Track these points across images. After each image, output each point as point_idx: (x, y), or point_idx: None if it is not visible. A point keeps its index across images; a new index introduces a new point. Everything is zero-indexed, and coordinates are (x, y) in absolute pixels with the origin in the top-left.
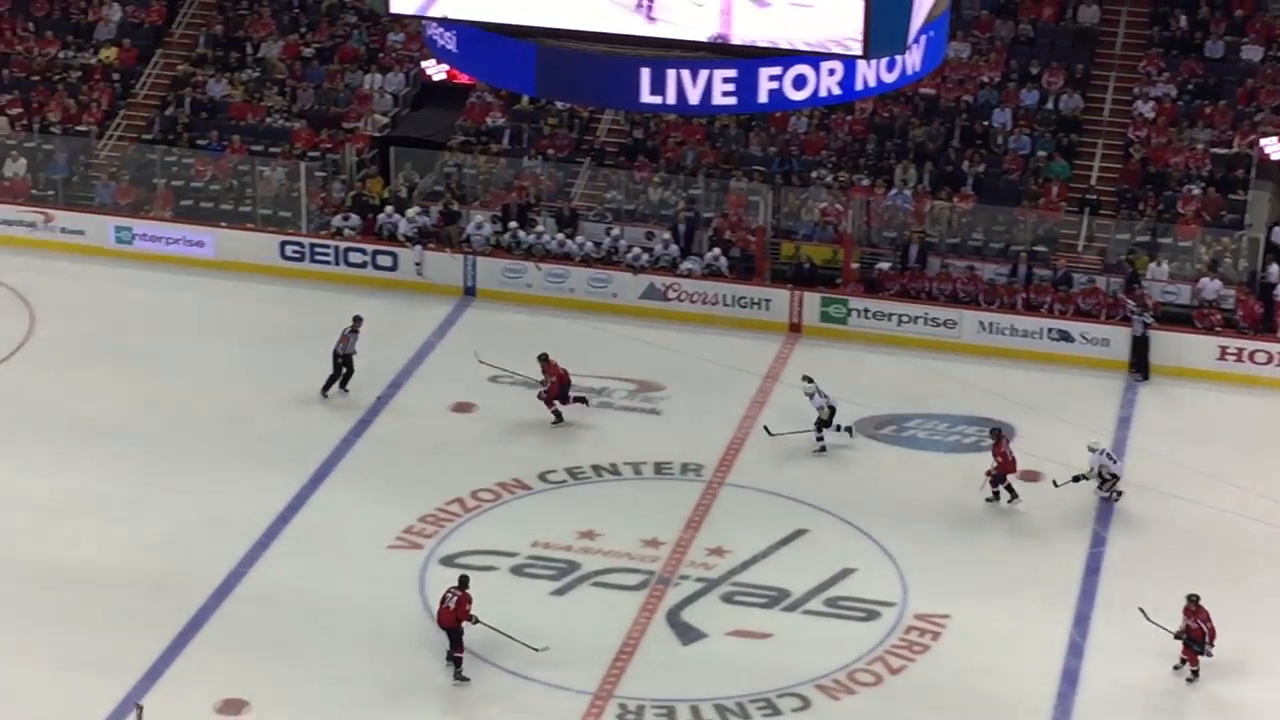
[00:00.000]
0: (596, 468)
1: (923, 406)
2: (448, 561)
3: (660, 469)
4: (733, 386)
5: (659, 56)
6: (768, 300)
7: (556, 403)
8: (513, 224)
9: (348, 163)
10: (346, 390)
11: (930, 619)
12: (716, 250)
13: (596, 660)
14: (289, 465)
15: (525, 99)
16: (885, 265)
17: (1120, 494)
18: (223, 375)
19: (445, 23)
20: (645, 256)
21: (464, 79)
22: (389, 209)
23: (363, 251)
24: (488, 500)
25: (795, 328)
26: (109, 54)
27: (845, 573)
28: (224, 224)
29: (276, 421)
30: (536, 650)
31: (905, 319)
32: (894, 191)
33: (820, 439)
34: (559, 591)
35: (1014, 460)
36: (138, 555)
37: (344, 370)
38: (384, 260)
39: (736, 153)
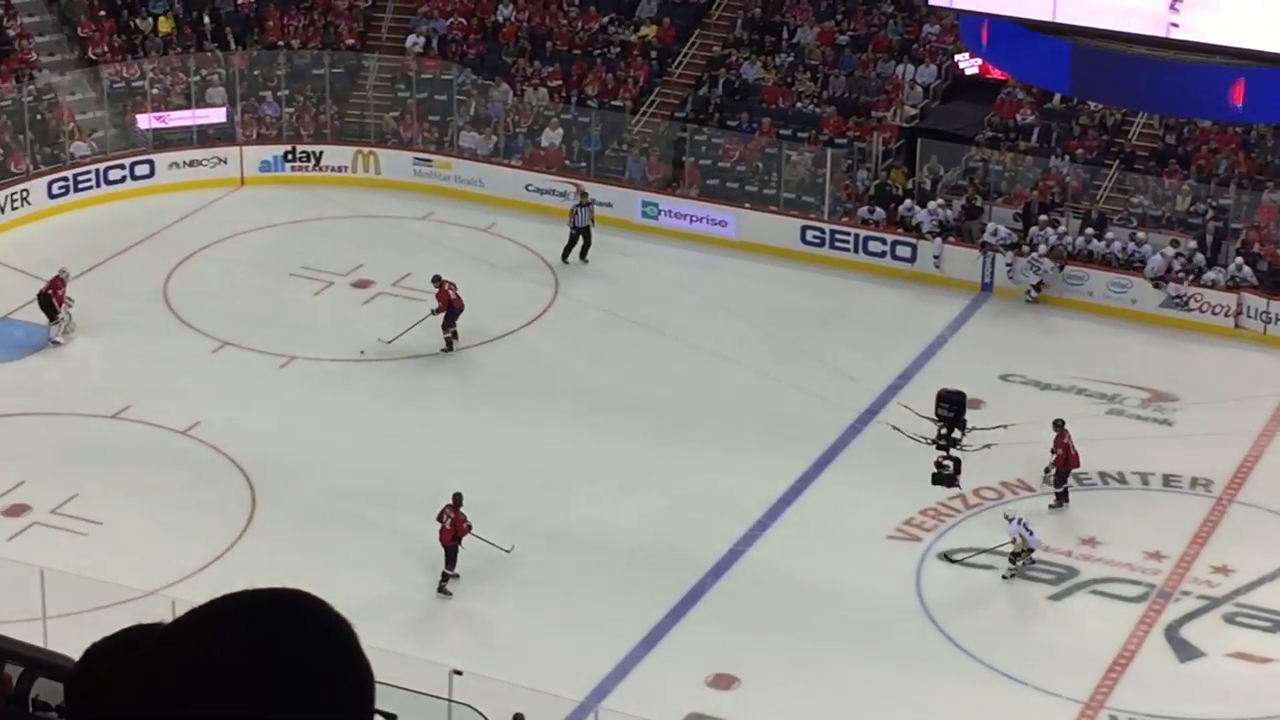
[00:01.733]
0: (1103, 475)
1: None
2: (945, 557)
3: (1168, 481)
4: (1250, 402)
5: (1199, 62)
6: None
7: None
8: (1042, 218)
9: (874, 152)
10: (586, 260)
11: None
12: (1241, 261)
13: (1089, 669)
14: (795, 448)
15: (1057, 97)
16: None
17: (1033, 563)
18: (735, 355)
19: (982, 17)
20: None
21: (996, 74)
22: (911, 200)
23: (882, 241)
24: (990, 498)
25: None
26: (649, 31)
27: None
28: (748, 205)
29: (785, 404)
30: (506, 551)
31: None
32: None
33: None
34: (1056, 596)
35: (1076, 455)
36: (642, 525)
37: (578, 240)
38: (903, 251)
39: (1272, 164)
